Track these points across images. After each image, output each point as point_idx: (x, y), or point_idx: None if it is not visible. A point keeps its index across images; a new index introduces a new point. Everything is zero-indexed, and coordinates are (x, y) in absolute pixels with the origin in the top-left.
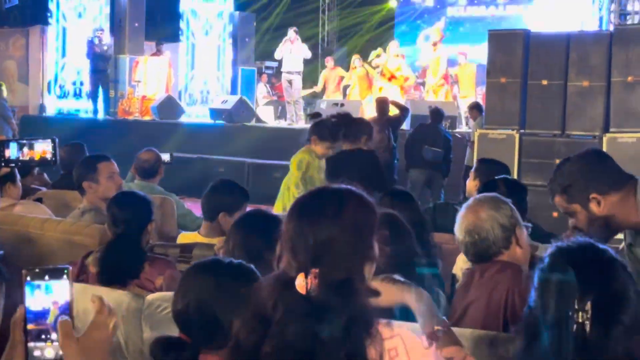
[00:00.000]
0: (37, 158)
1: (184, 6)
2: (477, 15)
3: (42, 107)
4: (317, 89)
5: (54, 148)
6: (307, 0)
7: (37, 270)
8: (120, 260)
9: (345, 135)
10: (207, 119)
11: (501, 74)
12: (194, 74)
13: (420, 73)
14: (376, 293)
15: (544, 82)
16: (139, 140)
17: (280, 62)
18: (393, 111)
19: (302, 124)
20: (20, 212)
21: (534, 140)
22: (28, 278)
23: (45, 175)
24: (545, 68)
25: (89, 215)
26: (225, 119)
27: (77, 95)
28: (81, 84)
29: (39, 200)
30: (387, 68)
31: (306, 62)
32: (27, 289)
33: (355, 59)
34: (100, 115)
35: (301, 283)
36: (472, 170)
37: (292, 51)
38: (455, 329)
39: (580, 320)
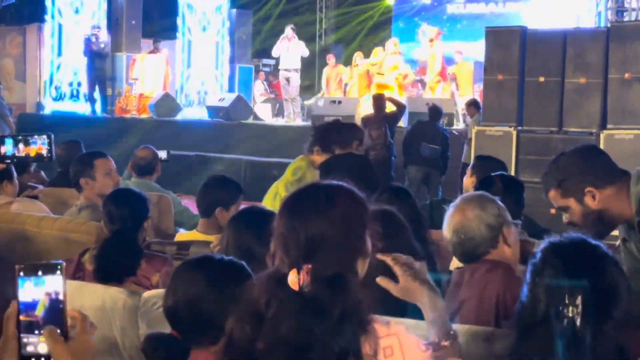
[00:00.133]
0: (32, 154)
1: (181, 0)
2: (475, 12)
3: (39, 105)
4: (323, 92)
5: (49, 144)
6: None
7: (30, 265)
8: (117, 257)
9: (337, 141)
10: (205, 117)
11: (498, 71)
12: (190, 73)
13: (418, 70)
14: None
15: (541, 79)
16: (136, 138)
17: (277, 59)
18: (390, 108)
19: (300, 121)
20: (17, 209)
21: (531, 137)
22: (21, 273)
23: (42, 173)
24: (542, 65)
25: (85, 212)
26: (222, 117)
27: (75, 97)
28: (78, 85)
29: (34, 197)
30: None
31: (304, 59)
32: (19, 283)
33: (357, 57)
34: (98, 113)
35: (294, 279)
36: (469, 167)
37: (290, 49)
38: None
39: (570, 315)
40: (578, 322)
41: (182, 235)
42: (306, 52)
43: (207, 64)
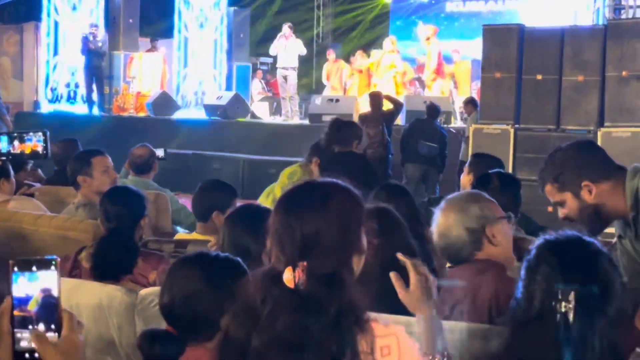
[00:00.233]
0: (27, 151)
1: None
2: (473, 10)
3: (36, 104)
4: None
5: (44, 141)
6: None
7: (24, 260)
8: (113, 255)
9: (336, 140)
10: (202, 116)
11: (496, 69)
12: (187, 73)
13: (416, 68)
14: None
15: (539, 77)
16: (133, 137)
17: (275, 58)
18: (387, 106)
19: (298, 119)
20: (14, 207)
21: (529, 135)
22: (15, 268)
23: (40, 171)
24: (539, 63)
25: (83, 209)
26: (220, 115)
27: (72, 99)
28: (76, 86)
29: (31, 195)
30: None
31: (301, 58)
32: (13, 278)
33: (358, 55)
34: (96, 112)
35: (289, 277)
36: (466, 164)
37: (287, 47)
38: (448, 322)
39: (563, 311)
40: (571, 318)
41: (182, 236)
42: (304, 51)
43: (205, 63)
